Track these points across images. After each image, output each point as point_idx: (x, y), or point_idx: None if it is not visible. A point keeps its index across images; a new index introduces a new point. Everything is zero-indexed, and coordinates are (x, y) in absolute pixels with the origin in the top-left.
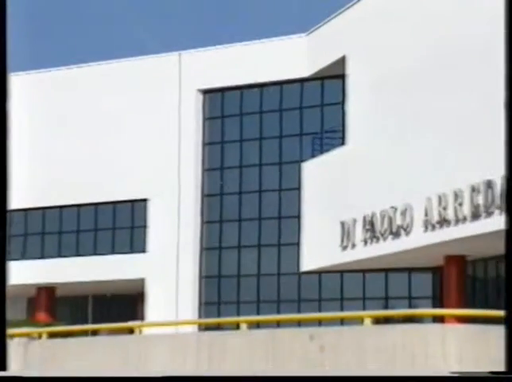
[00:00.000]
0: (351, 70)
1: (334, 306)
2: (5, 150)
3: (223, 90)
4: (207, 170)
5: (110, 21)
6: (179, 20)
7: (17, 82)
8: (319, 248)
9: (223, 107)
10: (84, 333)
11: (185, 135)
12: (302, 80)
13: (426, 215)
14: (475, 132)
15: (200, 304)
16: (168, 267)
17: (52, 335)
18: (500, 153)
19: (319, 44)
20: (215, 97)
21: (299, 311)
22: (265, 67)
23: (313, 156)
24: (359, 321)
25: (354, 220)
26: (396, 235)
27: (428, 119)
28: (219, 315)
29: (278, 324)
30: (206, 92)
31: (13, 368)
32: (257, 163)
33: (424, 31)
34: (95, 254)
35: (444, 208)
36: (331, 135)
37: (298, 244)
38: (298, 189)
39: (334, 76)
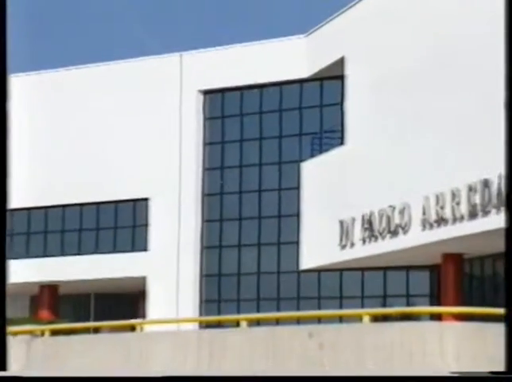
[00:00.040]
0: (349, 71)
1: (333, 304)
2: (5, 150)
3: (223, 90)
4: (208, 170)
5: (111, 22)
6: (180, 21)
7: (18, 83)
8: (318, 247)
9: (224, 108)
10: (86, 331)
11: (186, 135)
12: (301, 81)
13: (424, 214)
14: (473, 132)
15: (201, 302)
16: (169, 266)
17: (54, 332)
18: (497, 153)
19: (318, 45)
20: (215, 97)
21: (298, 309)
22: (265, 68)
23: (312, 156)
24: (358, 318)
25: (353, 219)
26: (394, 233)
27: (427, 119)
28: (219, 313)
29: (278, 321)
30: (206, 93)
31: (17, 365)
32: (257, 163)
33: (423, 31)
34: (97, 252)
35: (442, 207)
36: (330, 135)
37: (297, 243)
38: (297, 188)
39: (333, 77)
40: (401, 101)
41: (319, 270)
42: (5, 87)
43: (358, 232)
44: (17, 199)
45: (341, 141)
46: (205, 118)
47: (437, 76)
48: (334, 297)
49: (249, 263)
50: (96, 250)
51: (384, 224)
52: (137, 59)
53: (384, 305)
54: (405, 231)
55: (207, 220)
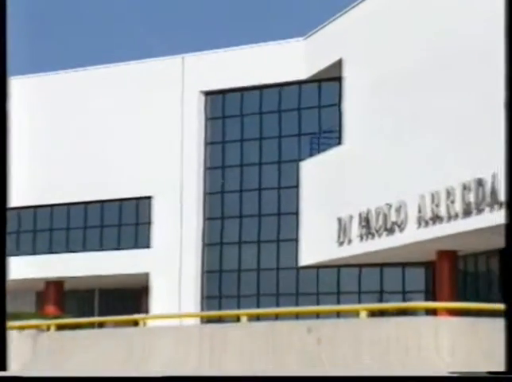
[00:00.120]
0: (347, 72)
1: (331, 300)
2: (5, 150)
3: (224, 91)
4: (209, 169)
5: (114, 24)
6: (182, 24)
7: (21, 85)
8: (316, 244)
9: (224, 108)
10: (91, 326)
11: (188, 135)
12: (300, 82)
13: (419, 212)
14: (467, 132)
15: (202, 297)
16: (171, 262)
17: (60, 327)
18: (491, 153)
19: (316, 47)
20: (216, 98)
21: (297, 304)
22: (265, 69)
23: (311, 155)
24: (355, 314)
25: (351, 217)
26: (390, 231)
27: (423, 120)
28: (220, 308)
29: (277, 317)
30: (208, 94)
31: (23, 359)
32: (257, 162)
33: (420, 32)
34: (102, 249)
35: (437, 206)
36: (328, 135)
37: (296, 240)
38: (296, 186)
39: (331, 79)
40: (398, 102)
41: (317, 267)
42: (5, 87)
43: (355, 230)
44: (23, 197)
45: (339, 141)
46: (206, 119)
47: (434, 76)
48: (332, 293)
49: (249, 260)
50: (100, 247)
51: (381, 222)
52: (140, 61)
53: (380, 300)
54: (401, 229)
55: (208, 218)
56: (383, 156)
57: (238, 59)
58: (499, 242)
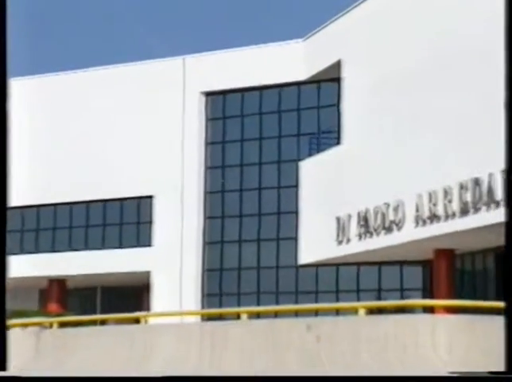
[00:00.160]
0: (346, 73)
1: (330, 298)
2: (5, 150)
3: (224, 92)
4: (210, 168)
5: (116, 27)
6: (182, 26)
7: (22, 86)
8: (315, 243)
9: (225, 109)
10: (93, 323)
11: (189, 135)
12: (299, 83)
13: (417, 211)
14: (464, 133)
15: (203, 295)
16: (172, 261)
17: (62, 324)
18: (487, 153)
19: (315, 48)
20: (217, 99)
21: (296, 302)
22: (265, 70)
23: (310, 155)
24: (354, 311)
25: (349, 216)
26: (388, 230)
27: (420, 120)
28: (220, 306)
29: (277, 314)
30: (208, 94)
31: (26, 356)
32: (257, 162)
33: (421, 32)
34: (104, 248)
35: (434, 205)
36: (327, 135)
37: (296, 239)
38: (296, 186)
39: (330, 79)
40: (397, 102)
41: (316, 265)
42: (5, 88)
43: (354, 229)
44: (26, 197)
45: (338, 141)
46: (207, 119)
47: (434, 76)
48: (331, 291)
49: (249, 258)
50: (102, 245)
51: (379, 221)
52: (141, 62)
53: (379, 298)
54: (399, 228)
55: (208, 217)
56: (381, 156)
57: (239, 60)
58: (496, 241)
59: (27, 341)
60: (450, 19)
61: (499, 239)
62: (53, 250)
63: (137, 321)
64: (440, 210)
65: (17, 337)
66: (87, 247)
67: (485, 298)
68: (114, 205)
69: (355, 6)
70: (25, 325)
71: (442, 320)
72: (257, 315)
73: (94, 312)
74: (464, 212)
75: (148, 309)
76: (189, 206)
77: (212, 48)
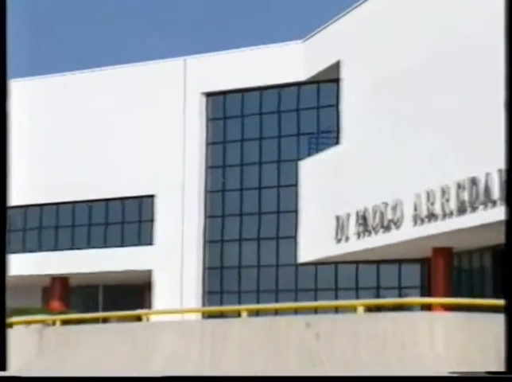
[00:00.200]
0: (345, 74)
1: (329, 296)
2: (5, 149)
3: (225, 93)
4: (210, 168)
5: (117, 28)
6: (184, 27)
7: (24, 87)
8: (315, 241)
9: (225, 109)
10: (95, 321)
11: (190, 135)
12: (299, 84)
13: (415, 210)
14: (461, 132)
15: (204, 293)
16: (173, 259)
17: (65, 322)
18: (484, 152)
19: (314, 49)
20: (217, 99)
21: (296, 300)
22: (265, 71)
23: (309, 155)
24: (352, 309)
25: (348, 215)
26: (387, 228)
27: (419, 120)
28: (221, 304)
29: (276, 312)
30: (209, 95)
31: (29, 353)
32: (257, 161)
33: (420, 32)
34: (106, 246)
35: (432, 204)
36: (326, 135)
37: (295, 237)
38: (295, 185)
39: (329, 80)
40: (396, 102)
41: (315, 264)
42: (5, 88)
43: (352, 227)
44: (29, 196)
45: (337, 141)
46: (208, 119)
47: (434, 76)
48: (330, 289)
49: (249, 257)
50: (104, 244)
51: (377, 220)
52: (143, 63)
53: (377, 296)
54: (398, 227)
55: (209, 216)
56: (380, 156)
57: (239, 61)
58: (493, 239)
59: (30, 339)
60: (450, 19)
61: (496, 238)
62: (56, 248)
63: (138, 318)
64: (437, 209)
65: (20, 335)
66: (89, 245)
67: (482, 296)
68: (116, 204)
69: (354, 8)
70: (28, 323)
71: (440, 317)
72: (257, 313)
73: (96, 310)
74: (462, 211)
75: (149, 307)
76: (190, 205)
77: (213, 49)
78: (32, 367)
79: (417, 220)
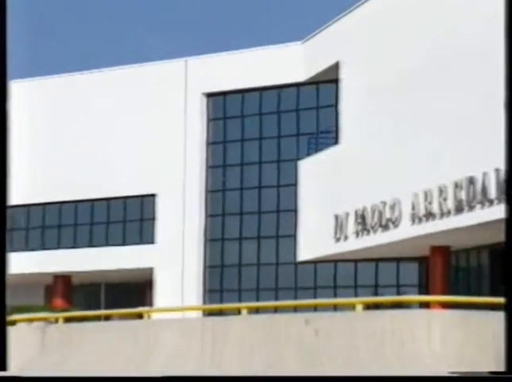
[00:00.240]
0: (344, 74)
1: (328, 293)
2: (5, 151)
3: (225, 93)
4: (211, 168)
5: (118, 28)
6: (184, 28)
7: (25, 89)
8: (314, 240)
9: (226, 109)
10: (97, 318)
11: (190, 135)
12: (298, 85)
13: (413, 209)
14: (459, 132)
15: (204, 291)
16: (174, 257)
17: (67, 320)
18: (481, 152)
19: (314, 50)
20: (218, 100)
21: (295, 298)
22: (265, 72)
23: (309, 155)
24: (351, 307)
25: (347, 214)
26: (385, 227)
27: (417, 120)
28: (221, 301)
29: (276, 310)
30: (210, 95)
31: (32, 350)
32: (257, 161)
33: (420, 32)
34: (107, 245)
35: (430, 203)
36: (325, 135)
37: (295, 236)
38: (295, 185)
39: (328, 81)
40: (394, 102)
41: (315, 262)
42: (5, 89)
43: (351, 226)
44: (32, 195)
45: (336, 141)
46: (208, 120)
47: (433, 76)
48: (329, 287)
49: (249, 255)
50: (106, 242)
51: (376, 219)
52: (144, 64)
53: (376, 294)
54: (396, 226)
55: (210, 215)
56: (378, 155)
57: (239, 62)
58: (490, 238)
59: (33, 336)
60: (450, 19)
61: (493, 237)
62: (58, 247)
63: (140, 316)
64: (435, 208)
65: (23, 332)
66: (91, 244)
67: (479, 294)
68: (117, 203)
69: (353, 9)
70: (30, 320)
71: (437, 315)
72: (257, 310)
73: (98, 307)
74: (459, 210)
75: (151, 304)
76: (191, 204)
77: (213, 50)
78: (35, 364)
79: (415, 219)
